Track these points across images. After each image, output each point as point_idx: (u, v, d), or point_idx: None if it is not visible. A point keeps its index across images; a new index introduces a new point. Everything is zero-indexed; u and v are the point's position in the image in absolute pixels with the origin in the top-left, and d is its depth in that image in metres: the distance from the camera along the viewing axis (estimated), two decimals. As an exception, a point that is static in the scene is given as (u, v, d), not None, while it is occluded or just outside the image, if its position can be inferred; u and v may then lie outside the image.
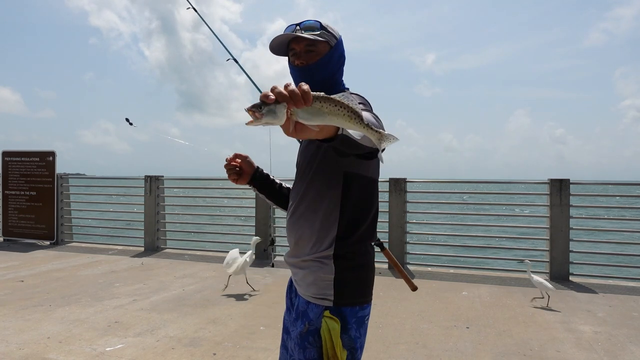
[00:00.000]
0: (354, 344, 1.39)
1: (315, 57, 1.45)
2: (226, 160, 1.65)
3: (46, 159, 8.19)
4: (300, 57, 1.46)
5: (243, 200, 7.88)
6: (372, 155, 1.16)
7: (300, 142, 1.60)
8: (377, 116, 1.28)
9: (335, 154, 1.20)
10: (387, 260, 6.74)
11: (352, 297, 1.40)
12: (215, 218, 8.75)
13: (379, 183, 1.60)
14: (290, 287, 1.58)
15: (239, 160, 1.66)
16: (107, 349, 3.35)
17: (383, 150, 1.06)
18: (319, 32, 1.46)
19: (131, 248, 7.79)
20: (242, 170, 1.67)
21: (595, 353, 3.38)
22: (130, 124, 2.06)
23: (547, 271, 5.82)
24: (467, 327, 3.92)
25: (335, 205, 1.40)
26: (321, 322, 1.37)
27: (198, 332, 3.74)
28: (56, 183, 8.11)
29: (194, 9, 2.60)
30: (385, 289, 5.14)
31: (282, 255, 6.88)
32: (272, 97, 0.87)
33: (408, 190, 6.39)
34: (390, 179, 6.36)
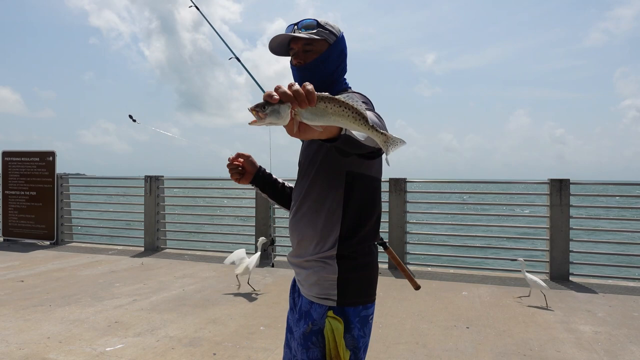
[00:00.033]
0: (357, 344, 1.38)
1: (313, 56, 1.46)
2: (229, 160, 1.64)
3: (46, 159, 8.19)
4: (298, 57, 1.47)
5: (243, 200, 7.89)
6: (374, 155, 1.15)
7: (302, 141, 1.59)
8: (379, 116, 1.27)
9: (337, 153, 1.19)
10: (386, 260, 6.68)
11: (355, 297, 1.39)
12: (215, 218, 8.76)
13: None
14: (294, 287, 1.57)
15: (242, 160, 1.66)
16: (107, 349, 3.35)
17: (389, 153, 1.04)
18: (315, 31, 1.45)
19: (131, 248, 7.79)
20: (244, 169, 1.66)
21: (595, 353, 3.38)
22: (134, 120, 2.07)
23: (547, 271, 5.83)
24: (467, 327, 3.92)
25: (338, 205, 1.39)
26: (324, 322, 1.37)
27: (198, 332, 3.74)
28: (56, 183, 8.10)
29: (196, 6, 2.60)
30: (385, 289, 5.14)
31: (282, 255, 6.90)
32: (276, 97, 0.86)
33: (408, 190, 6.39)
34: (390, 179, 6.36)
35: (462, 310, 4.40)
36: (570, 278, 5.69)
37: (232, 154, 1.65)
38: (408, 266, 6.47)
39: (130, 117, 2.07)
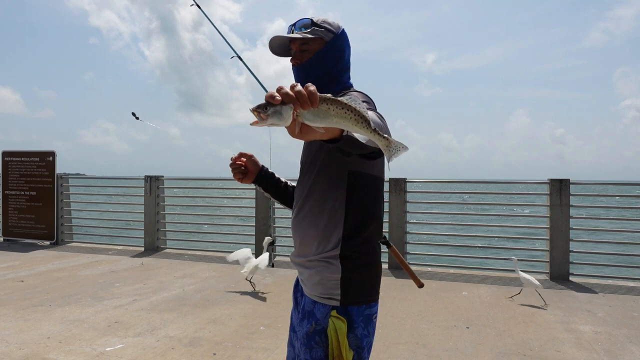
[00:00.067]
0: (361, 344, 1.38)
1: (309, 55, 1.46)
2: (231, 159, 1.64)
3: (46, 159, 8.19)
4: (296, 57, 1.48)
5: (243, 200, 7.89)
6: (376, 155, 1.15)
7: None
8: (381, 116, 1.26)
9: (339, 152, 1.19)
10: (386, 261, 6.67)
11: (359, 296, 1.39)
12: (215, 218, 8.76)
13: None
14: (297, 286, 1.57)
15: (244, 160, 1.66)
16: (107, 349, 3.35)
17: (390, 160, 1.02)
18: (310, 30, 1.45)
19: (131, 248, 7.79)
20: (247, 169, 1.66)
21: (595, 353, 3.38)
22: (137, 118, 2.08)
23: (547, 271, 5.83)
24: (467, 327, 3.92)
25: (341, 204, 1.39)
26: (328, 321, 1.36)
27: (198, 332, 3.74)
28: (56, 183, 8.10)
29: (198, 5, 2.60)
30: (386, 289, 5.14)
31: (282, 255, 6.90)
32: (279, 98, 0.85)
33: (408, 190, 6.39)
34: (390, 179, 6.36)
35: (462, 310, 4.40)
36: (570, 278, 5.69)
37: (235, 154, 1.65)
38: (408, 266, 6.46)
39: (134, 114, 2.08)
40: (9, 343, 3.43)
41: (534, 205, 6.59)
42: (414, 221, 6.99)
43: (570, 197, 5.75)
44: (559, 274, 5.70)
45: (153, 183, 7.55)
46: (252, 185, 1.69)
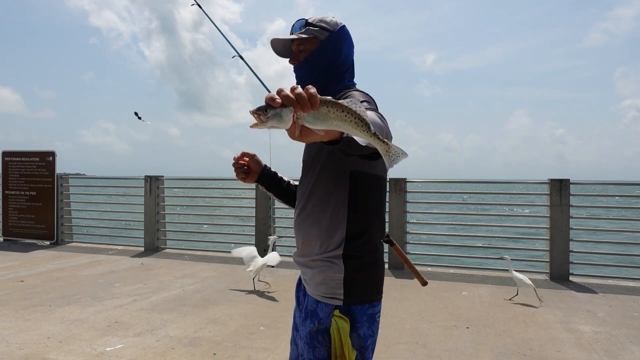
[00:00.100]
0: (364, 343, 1.38)
1: (305, 55, 1.48)
2: (234, 159, 1.65)
3: (46, 159, 8.19)
4: (294, 57, 1.50)
5: (243, 200, 7.88)
6: (377, 155, 1.15)
7: None
8: (382, 116, 1.25)
9: (340, 153, 1.20)
10: (386, 261, 6.67)
11: (362, 296, 1.39)
12: (215, 218, 8.76)
13: None
14: (299, 285, 1.57)
15: (247, 159, 1.66)
16: (107, 349, 3.35)
17: (389, 166, 1.01)
18: (303, 30, 1.47)
19: (131, 248, 7.79)
20: (250, 168, 1.67)
21: (595, 353, 3.38)
22: (139, 117, 2.08)
23: (547, 271, 5.83)
24: (467, 327, 3.92)
25: (343, 204, 1.39)
26: (331, 321, 1.36)
27: (198, 332, 3.74)
28: (56, 183, 8.10)
29: (199, 5, 2.60)
30: (386, 289, 5.12)
31: (282, 255, 6.89)
32: (279, 100, 0.84)
33: (408, 190, 6.39)
34: (390, 179, 6.36)
35: (462, 310, 4.40)
36: (570, 278, 5.70)
37: (237, 154, 1.66)
38: (408, 266, 6.47)
39: (136, 114, 2.08)
40: (9, 343, 3.43)
41: (534, 205, 6.59)
42: (414, 221, 6.99)
43: (570, 197, 5.75)
44: (559, 274, 5.70)
45: (153, 183, 7.55)
46: (252, 185, 1.70)
